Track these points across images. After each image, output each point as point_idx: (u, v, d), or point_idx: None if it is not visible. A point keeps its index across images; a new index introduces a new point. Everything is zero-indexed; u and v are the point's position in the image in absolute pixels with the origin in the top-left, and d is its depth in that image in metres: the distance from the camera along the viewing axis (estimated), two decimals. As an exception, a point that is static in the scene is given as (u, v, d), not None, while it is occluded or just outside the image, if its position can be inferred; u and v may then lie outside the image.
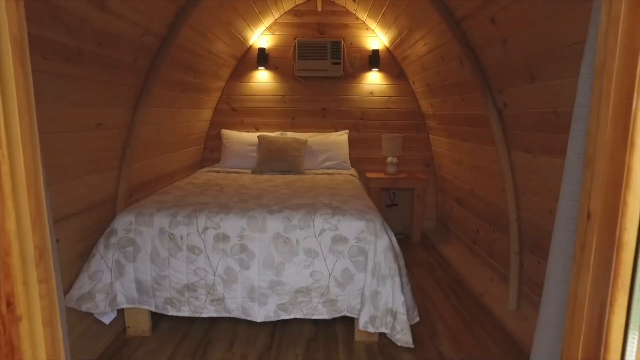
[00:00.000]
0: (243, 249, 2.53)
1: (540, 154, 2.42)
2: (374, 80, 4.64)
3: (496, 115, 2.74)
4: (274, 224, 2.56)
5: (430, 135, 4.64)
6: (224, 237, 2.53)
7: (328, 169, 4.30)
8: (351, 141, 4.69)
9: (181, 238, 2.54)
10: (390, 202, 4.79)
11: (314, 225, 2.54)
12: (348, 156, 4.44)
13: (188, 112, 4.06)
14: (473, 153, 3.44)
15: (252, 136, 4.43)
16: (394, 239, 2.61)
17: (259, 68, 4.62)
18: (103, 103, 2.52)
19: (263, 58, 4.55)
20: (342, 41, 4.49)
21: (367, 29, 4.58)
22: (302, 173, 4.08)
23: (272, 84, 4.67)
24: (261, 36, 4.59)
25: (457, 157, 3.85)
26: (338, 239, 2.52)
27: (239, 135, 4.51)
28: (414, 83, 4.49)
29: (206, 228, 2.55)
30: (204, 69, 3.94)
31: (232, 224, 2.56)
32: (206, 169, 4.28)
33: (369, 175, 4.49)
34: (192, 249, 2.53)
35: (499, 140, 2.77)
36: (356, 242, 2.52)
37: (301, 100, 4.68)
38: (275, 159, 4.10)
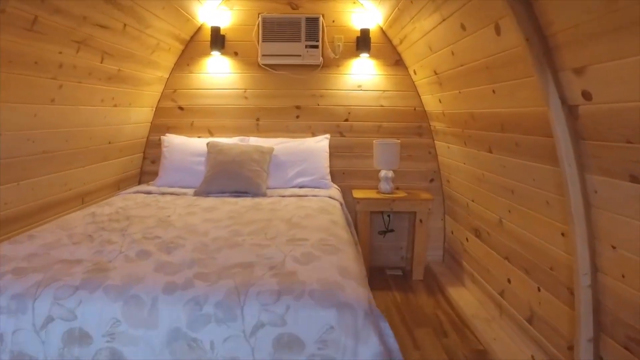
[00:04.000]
0: (114, 357, 1.33)
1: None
2: (363, 69, 3.44)
3: (562, 113, 1.56)
4: (171, 313, 1.36)
5: (436, 142, 3.45)
6: (82, 337, 1.34)
7: (300, 187, 3.11)
8: (333, 149, 3.49)
9: (1, 339, 1.35)
10: (384, 228, 3.60)
11: (242, 317, 1.35)
12: (328, 169, 3.24)
13: (111, 111, 2.86)
14: (506, 170, 2.26)
15: (202, 143, 3.23)
16: (391, 340, 1.41)
17: (213, 54, 3.41)
18: None
19: (218, 40, 3.34)
20: (322, 18, 3.29)
21: (355, 2, 3.38)
22: (263, 195, 2.88)
23: (230, 75, 3.47)
24: (215, 12, 3.38)
25: (478, 173, 2.66)
26: (286, 343, 1.32)
27: (184, 141, 3.31)
28: (415, 73, 3.29)
29: (50, 319, 1.36)
30: (131, 54, 2.74)
31: (96, 312, 1.36)
32: (136, 188, 3.08)
33: (356, 194, 3.30)
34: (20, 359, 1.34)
35: (566, 156, 1.58)
36: (319, 350, 1.32)
37: (268, 96, 3.48)
38: (226, 176, 2.90)
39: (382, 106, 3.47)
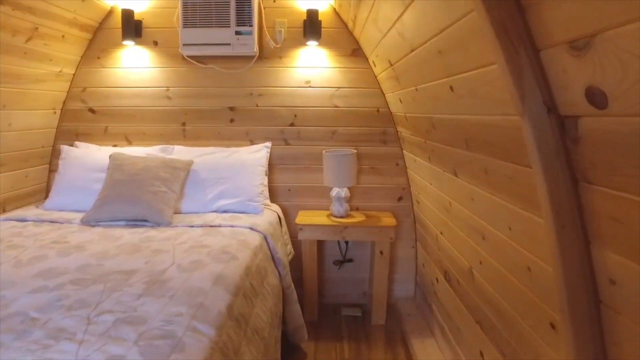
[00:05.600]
0: None
1: None
2: (312, 61, 2.70)
3: (548, 128, 0.82)
4: None
5: (404, 152, 2.70)
6: None
7: (222, 212, 2.38)
8: (277, 160, 2.77)
9: None
10: (340, 258, 2.87)
11: None
12: (261, 188, 2.50)
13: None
14: (475, 204, 1.51)
15: (105, 155, 2.52)
16: None
17: (126, 43, 2.70)
18: None
19: (131, 27, 2.62)
20: (257, -4, 2.56)
21: (300, -23, 2.64)
22: (167, 224, 2.16)
23: (149, 70, 2.75)
24: (129, -9, 2.67)
25: (444, 200, 1.91)
26: None
27: (84, 153, 2.60)
28: (375, 64, 2.54)
29: None
30: (16, 45, 2.06)
31: None
32: (16, 212, 2.38)
33: (300, 219, 2.57)
34: None
35: (554, 211, 0.84)
36: None
37: (196, 96, 2.75)
38: (120, 199, 2.19)
39: (336, 107, 2.73)
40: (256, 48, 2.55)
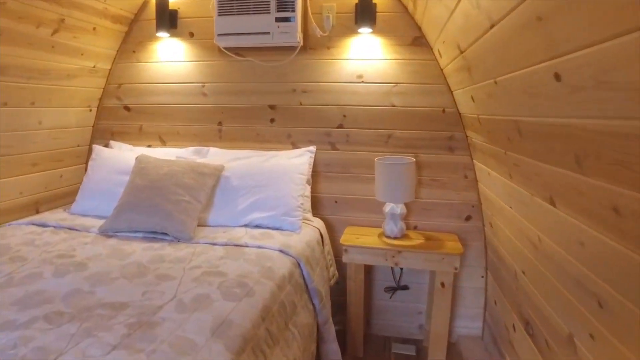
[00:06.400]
0: None
1: None
2: (365, 52, 2.28)
3: None
4: None
5: (475, 162, 2.20)
6: None
7: (254, 228, 2.04)
8: (322, 167, 2.38)
9: None
10: (394, 285, 2.42)
11: None
12: (301, 201, 2.11)
13: (22, 113, 2.03)
14: (587, 252, 1.02)
15: (133, 157, 2.29)
16: None
17: (160, 35, 2.46)
18: None
19: (165, 18, 2.37)
20: (303, -23, 2.20)
21: (354, -47, 2.23)
22: (188, 240, 1.86)
23: (184, 64, 2.49)
24: (167, -22, 2.42)
25: (531, 232, 1.42)
26: None
27: (114, 154, 2.39)
28: (440, 54, 2.07)
29: None
30: (41, 37, 1.88)
31: None
32: (40, 216, 2.21)
33: (346, 238, 2.17)
34: None
35: None
36: None
37: (233, 92, 2.44)
38: (138, 208, 1.92)
39: (393, 106, 2.29)
40: (300, 37, 2.18)
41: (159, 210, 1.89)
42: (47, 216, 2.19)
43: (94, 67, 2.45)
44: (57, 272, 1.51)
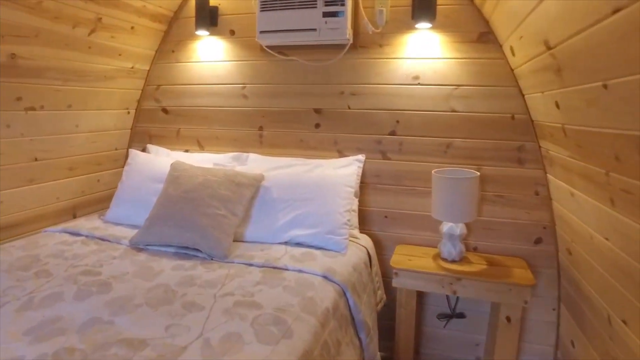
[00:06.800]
0: None
1: None
2: (422, 50, 2.02)
3: None
4: None
5: (549, 176, 1.89)
6: None
7: (295, 246, 1.83)
8: (372, 177, 2.15)
9: None
10: (448, 312, 2.15)
11: None
12: (350, 215, 1.88)
13: (35, 117, 1.94)
14: None
15: (168, 163, 2.15)
16: None
17: (199, 34, 2.30)
18: None
19: (205, 15, 2.21)
20: (354, -33, 1.97)
21: (413, -62, 1.98)
22: (222, 258, 1.68)
23: (224, 64, 2.32)
24: (208, -27, 2.26)
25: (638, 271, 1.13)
26: None
27: (149, 159, 2.26)
28: (513, 52, 1.78)
29: None
30: (77, 38, 1.78)
31: None
32: (75, 223, 2.11)
33: (397, 259, 1.92)
34: None
35: None
36: None
37: (275, 94, 2.25)
38: (170, 221, 1.76)
39: (453, 111, 2.02)
40: (349, 34, 1.96)
41: (192, 225, 1.72)
42: (81, 223, 2.09)
43: (132, 67, 2.34)
44: (78, 294, 1.36)
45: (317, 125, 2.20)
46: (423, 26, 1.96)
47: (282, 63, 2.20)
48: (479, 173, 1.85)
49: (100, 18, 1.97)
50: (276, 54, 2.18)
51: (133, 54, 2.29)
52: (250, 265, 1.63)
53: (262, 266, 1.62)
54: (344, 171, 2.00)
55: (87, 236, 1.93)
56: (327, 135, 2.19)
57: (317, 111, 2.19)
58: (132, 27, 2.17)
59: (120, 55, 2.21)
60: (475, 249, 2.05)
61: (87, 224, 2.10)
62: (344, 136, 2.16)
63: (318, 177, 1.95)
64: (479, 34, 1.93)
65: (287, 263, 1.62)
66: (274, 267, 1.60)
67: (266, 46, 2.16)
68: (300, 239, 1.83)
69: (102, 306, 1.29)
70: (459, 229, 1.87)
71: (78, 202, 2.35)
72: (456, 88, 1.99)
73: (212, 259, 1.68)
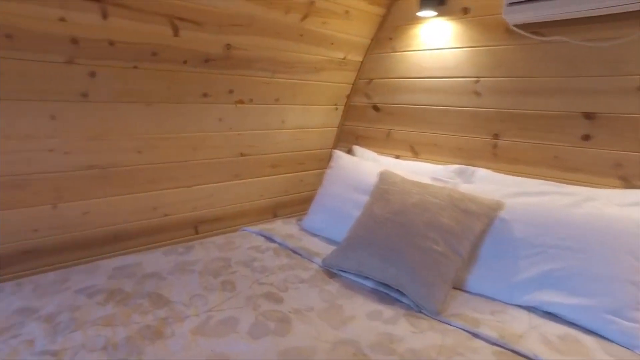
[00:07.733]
0: None
1: None
2: None
3: None
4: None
5: None
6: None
7: (544, 315, 1.21)
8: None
9: None
10: None
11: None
12: (642, 286, 1.18)
13: (241, 111, 1.84)
14: None
15: (378, 169, 1.78)
16: None
17: (422, 15, 1.84)
18: None
19: (438, -11, 1.76)
20: None
21: None
22: (433, 313, 1.20)
23: (452, 51, 1.81)
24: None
25: None
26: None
27: (353, 163, 1.92)
28: None
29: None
30: (289, 25, 1.63)
31: None
32: (272, 225, 1.94)
33: None
34: None
35: None
36: None
37: (520, 91, 1.62)
38: (374, 247, 1.37)
39: None
40: (673, -7, 1.21)
41: (399, 259, 1.30)
42: (278, 227, 1.92)
43: (343, 58, 2.06)
44: (253, 329, 1.10)
45: (587, 137, 1.49)
46: None
47: (537, 47, 1.57)
48: None
49: (313, 2, 1.71)
50: (530, 35, 1.56)
51: (346, 42, 2.00)
52: (475, 336, 1.11)
53: (494, 344, 1.08)
54: (636, 212, 1.26)
55: (280, 244, 1.73)
56: (603, 153, 1.47)
57: (588, 116, 1.49)
58: (347, 12, 1.86)
59: (332, 44, 1.95)
60: None
61: (284, 228, 1.91)
62: (634, 156, 1.41)
63: (592, 216, 1.27)
64: None
65: (536, 350, 1.04)
66: (514, 352, 1.04)
67: (514, 25, 1.57)
68: (554, 308, 1.20)
69: (274, 355, 0.99)
70: None
71: (281, 202, 2.23)
72: None
73: (418, 311, 1.23)
